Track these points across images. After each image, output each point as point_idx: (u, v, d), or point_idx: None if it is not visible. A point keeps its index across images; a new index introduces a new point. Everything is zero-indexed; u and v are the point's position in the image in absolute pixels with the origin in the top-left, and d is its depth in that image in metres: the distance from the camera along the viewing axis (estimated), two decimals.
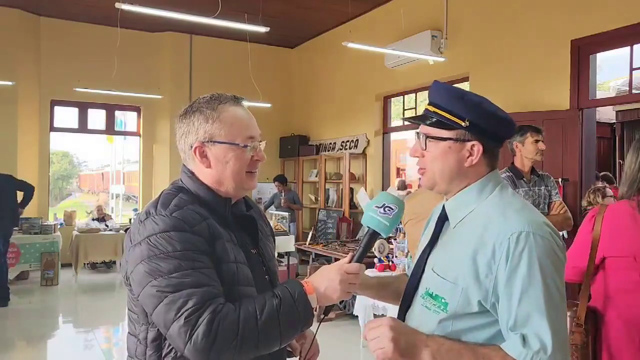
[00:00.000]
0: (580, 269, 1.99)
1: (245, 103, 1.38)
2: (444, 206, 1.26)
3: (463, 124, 1.16)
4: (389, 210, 1.23)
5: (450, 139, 1.18)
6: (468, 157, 1.18)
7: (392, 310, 3.87)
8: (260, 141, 1.36)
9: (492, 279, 1.08)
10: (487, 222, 1.13)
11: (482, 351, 1.08)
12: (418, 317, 1.21)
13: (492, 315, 1.11)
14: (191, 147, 1.31)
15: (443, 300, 1.14)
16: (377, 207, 1.24)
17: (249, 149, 1.32)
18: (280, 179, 8.26)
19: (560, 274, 1.10)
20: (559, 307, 1.08)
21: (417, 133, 1.25)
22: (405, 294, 1.29)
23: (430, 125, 1.21)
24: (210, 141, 1.29)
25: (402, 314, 1.27)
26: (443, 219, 1.25)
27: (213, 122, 1.29)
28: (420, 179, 1.33)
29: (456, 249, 1.16)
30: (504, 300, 1.08)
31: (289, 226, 7.77)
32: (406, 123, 7.82)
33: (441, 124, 1.19)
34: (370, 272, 4.33)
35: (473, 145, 1.18)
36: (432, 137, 1.20)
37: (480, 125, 1.17)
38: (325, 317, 1.30)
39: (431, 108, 1.22)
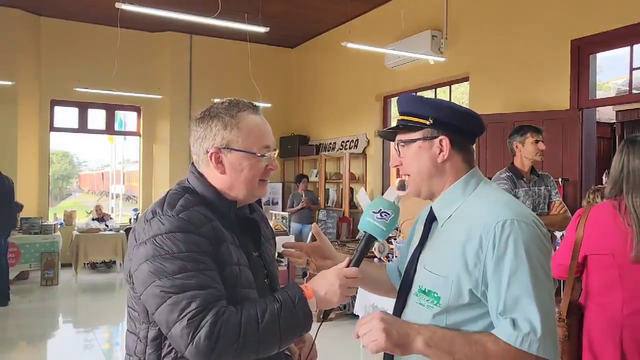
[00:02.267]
0: (565, 266, 2.08)
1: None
2: (431, 208, 1.31)
3: (427, 122, 1.24)
4: (385, 215, 1.27)
5: (418, 139, 1.26)
6: (440, 153, 1.24)
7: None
8: (274, 150, 1.36)
9: (481, 268, 1.12)
10: (473, 215, 1.18)
11: (474, 337, 1.11)
12: (413, 315, 1.24)
13: (484, 306, 1.14)
14: (207, 152, 1.30)
15: (436, 295, 1.17)
16: (374, 212, 1.28)
17: (265, 158, 1.32)
18: (307, 178, 8.26)
19: (546, 258, 1.13)
20: (547, 290, 1.11)
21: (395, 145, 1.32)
22: (399, 295, 1.32)
23: (400, 131, 1.30)
24: (227, 148, 1.29)
25: (397, 315, 1.30)
26: (431, 219, 1.30)
27: (231, 130, 1.29)
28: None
29: (446, 245, 1.20)
30: (492, 286, 1.10)
31: (302, 228, 7.74)
32: None
33: (409, 127, 1.27)
34: None
35: (441, 140, 1.24)
36: (404, 141, 1.29)
37: (443, 120, 1.24)
38: (325, 321, 1.31)
39: (400, 117, 1.31)
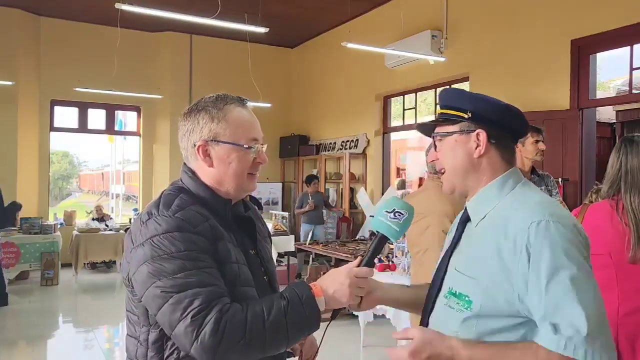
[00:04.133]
0: None
1: (249, 104, 1.39)
2: (465, 208, 1.25)
3: (466, 115, 1.20)
4: (399, 215, 1.24)
5: (455, 132, 1.22)
6: (476, 148, 1.19)
7: (393, 310, 3.87)
8: (263, 144, 1.36)
9: (517, 272, 1.05)
10: (508, 216, 1.12)
11: (516, 346, 1.06)
12: (441, 318, 1.19)
13: (519, 316, 1.07)
14: (194, 145, 1.30)
15: (467, 298, 1.12)
16: (387, 212, 1.25)
17: (253, 151, 1.32)
18: (317, 180, 8.00)
19: (585, 256, 1.07)
20: (591, 290, 1.03)
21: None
22: (428, 297, 1.27)
23: (438, 125, 1.26)
24: (215, 140, 1.29)
25: (426, 317, 1.25)
26: (465, 220, 1.25)
27: (219, 122, 1.29)
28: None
29: (479, 246, 1.14)
30: (531, 291, 1.04)
31: (313, 229, 7.57)
32: (406, 123, 7.83)
33: (447, 120, 1.23)
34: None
35: (477, 133, 1.19)
36: (440, 134, 1.24)
37: (482, 114, 1.19)
38: (332, 321, 1.29)
39: (440, 111, 1.27)
